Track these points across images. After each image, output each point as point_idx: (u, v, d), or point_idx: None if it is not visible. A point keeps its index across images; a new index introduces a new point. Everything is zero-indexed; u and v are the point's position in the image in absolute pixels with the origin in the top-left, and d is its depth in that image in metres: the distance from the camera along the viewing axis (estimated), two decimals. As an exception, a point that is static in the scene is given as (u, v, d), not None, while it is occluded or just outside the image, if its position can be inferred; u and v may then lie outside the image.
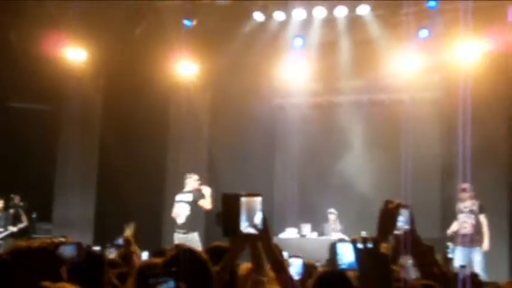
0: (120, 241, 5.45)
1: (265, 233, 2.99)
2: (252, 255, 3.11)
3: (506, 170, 12.14)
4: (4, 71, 11.97)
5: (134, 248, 5.46)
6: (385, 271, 2.19)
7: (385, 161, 12.95)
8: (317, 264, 7.48)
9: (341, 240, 4.20)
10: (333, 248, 3.22)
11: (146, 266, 3.14)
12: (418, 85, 12.90)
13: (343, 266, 3.16)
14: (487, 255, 10.52)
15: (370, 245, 2.18)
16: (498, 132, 12.05)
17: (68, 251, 2.97)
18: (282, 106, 14.48)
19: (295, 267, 4.52)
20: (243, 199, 2.84)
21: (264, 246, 3.03)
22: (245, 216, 2.83)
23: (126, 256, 5.09)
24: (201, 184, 11.19)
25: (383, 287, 2.18)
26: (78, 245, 3.09)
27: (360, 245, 2.19)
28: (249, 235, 2.91)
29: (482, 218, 10.59)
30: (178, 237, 10.81)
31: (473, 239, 10.54)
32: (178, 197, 11.34)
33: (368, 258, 2.18)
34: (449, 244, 8.69)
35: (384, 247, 2.25)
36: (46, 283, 2.12)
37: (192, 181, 11.29)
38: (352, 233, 9.75)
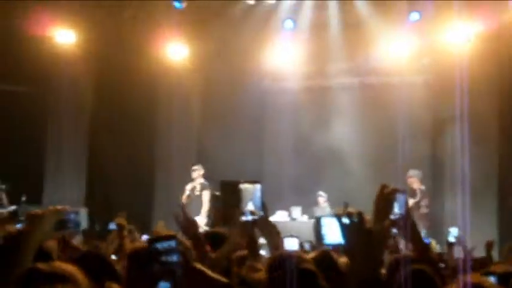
0: (113, 226, 5.39)
1: (265, 219, 2.97)
2: (248, 241, 3.10)
3: (496, 152, 12.19)
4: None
5: (130, 230, 5.41)
6: (371, 245, 2.17)
7: (377, 145, 12.95)
8: (306, 245, 7.55)
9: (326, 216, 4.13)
10: (317, 223, 3.17)
11: (136, 250, 3.10)
12: (408, 68, 12.88)
13: (327, 243, 3.12)
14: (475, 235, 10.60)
15: (355, 220, 2.17)
16: (490, 114, 12.05)
17: (72, 217, 2.98)
18: (271, 89, 14.40)
19: (290, 247, 4.52)
20: (242, 186, 2.80)
21: (264, 231, 3.02)
22: (245, 203, 2.80)
23: (120, 247, 4.97)
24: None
25: (370, 261, 2.16)
26: (79, 213, 3.09)
27: (345, 220, 2.18)
28: (249, 222, 2.89)
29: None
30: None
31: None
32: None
33: (353, 232, 2.17)
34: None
35: (368, 221, 2.24)
36: (40, 264, 2.10)
37: (196, 173, 11.93)
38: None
